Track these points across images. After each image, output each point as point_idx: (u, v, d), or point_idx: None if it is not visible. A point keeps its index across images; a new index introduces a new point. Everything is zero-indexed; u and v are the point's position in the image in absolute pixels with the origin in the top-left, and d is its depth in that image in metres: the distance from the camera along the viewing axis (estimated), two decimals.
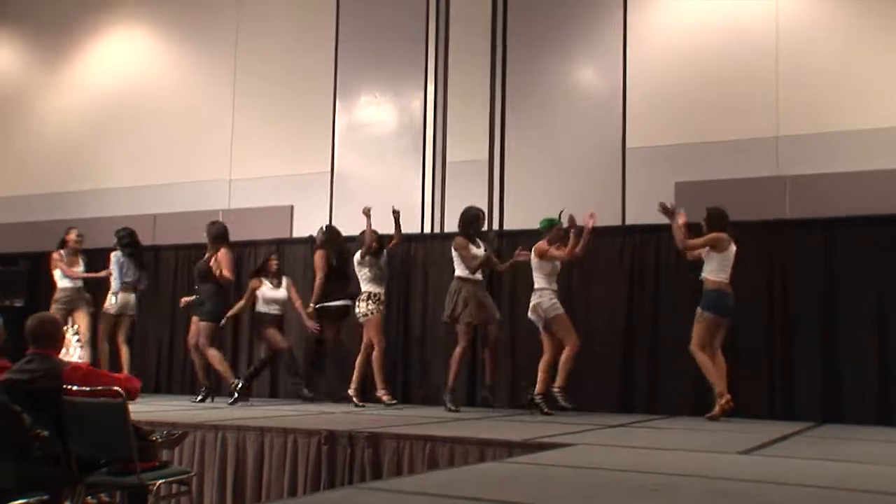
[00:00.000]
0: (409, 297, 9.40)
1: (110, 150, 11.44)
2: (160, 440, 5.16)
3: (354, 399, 8.34)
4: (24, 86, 12.30)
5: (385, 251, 8.72)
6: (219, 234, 9.16)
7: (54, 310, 8.88)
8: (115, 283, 9.40)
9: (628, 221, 8.52)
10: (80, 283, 9.45)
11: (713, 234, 7.27)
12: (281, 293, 9.15)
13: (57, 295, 9.30)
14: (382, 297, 8.53)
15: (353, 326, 8.81)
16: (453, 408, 7.79)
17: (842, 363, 7.63)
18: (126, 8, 11.70)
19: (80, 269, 9.53)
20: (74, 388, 4.43)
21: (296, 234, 10.19)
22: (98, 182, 11.40)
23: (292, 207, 10.28)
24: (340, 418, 6.82)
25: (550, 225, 7.93)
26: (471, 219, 8.14)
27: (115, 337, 9.45)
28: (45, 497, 4.07)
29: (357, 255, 8.55)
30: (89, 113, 11.70)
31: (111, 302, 9.40)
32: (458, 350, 7.95)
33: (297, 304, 9.13)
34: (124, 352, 9.41)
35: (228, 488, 6.04)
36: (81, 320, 9.28)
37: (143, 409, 6.79)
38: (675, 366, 7.98)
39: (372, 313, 8.40)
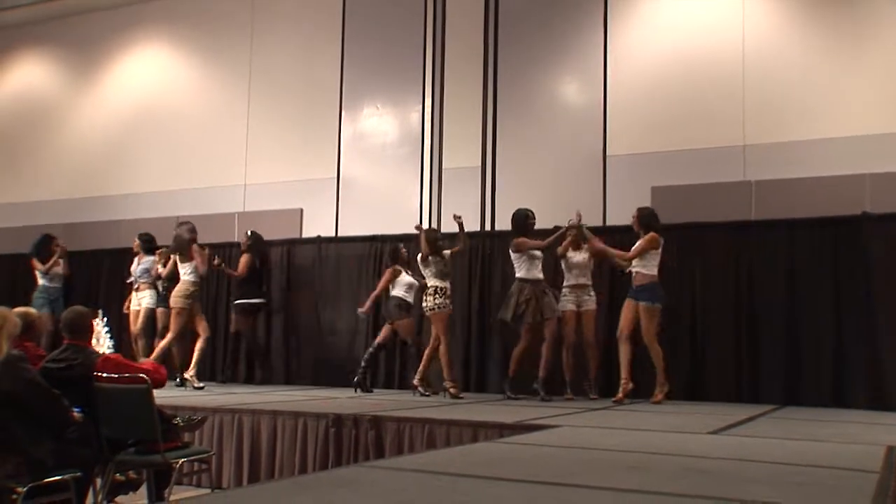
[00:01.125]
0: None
1: (136, 157, 11.43)
2: (182, 423, 5.18)
3: (420, 388, 7.96)
4: (58, 99, 12.29)
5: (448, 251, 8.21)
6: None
7: (181, 303, 8.55)
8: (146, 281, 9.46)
9: (609, 223, 8.53)
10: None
11: (652, 236, 7.26)
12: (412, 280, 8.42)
13: (188, 289, 8.67)
14: (448, 291, 7.98)
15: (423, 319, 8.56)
16: (512, 395, 7.59)
17: (802, 351, 7.65)
18: (150, 26, 11.68)
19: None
20: (104, 375, 4.44)
21: (305, 235, 10.19)
22: (125, 187, 11.40)
23: (302, 210, 10.28)
24: (346, 403, 6.83)
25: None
26: (521, 219, 7.81)
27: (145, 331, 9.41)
28: (79, 474, 4.08)
29: (420, 256, 8.11)
30: (115, 123, 11.69)
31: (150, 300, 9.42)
32: (519, 347, 7.63)
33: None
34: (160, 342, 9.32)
35: (245, 466, 6.05)
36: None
37: (167, 395, 6.80)
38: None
39: (439, 307, 7.87)
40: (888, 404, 7.13)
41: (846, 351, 7.50)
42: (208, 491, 4.89)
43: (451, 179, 9.52)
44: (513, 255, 7.74)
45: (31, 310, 4.89)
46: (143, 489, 4.82)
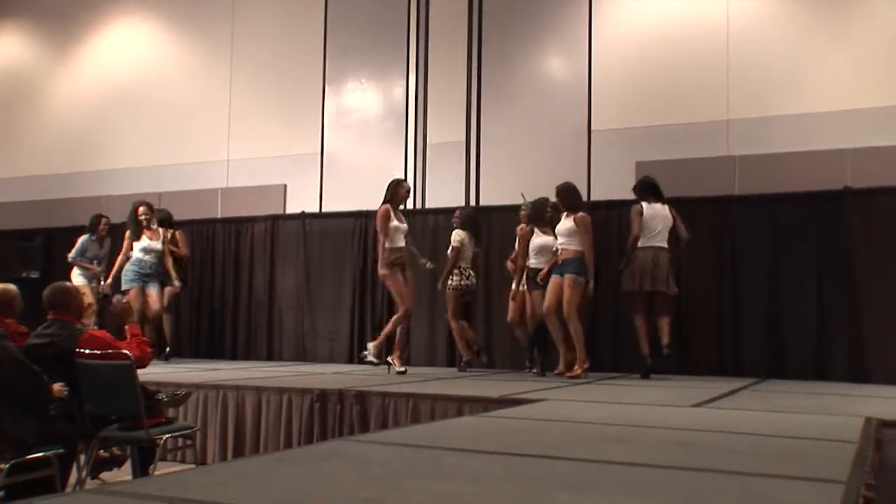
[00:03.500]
0: None
1: (117, 132, 11.32)
2: (166, 399, 5.17)
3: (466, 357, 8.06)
4: (35, 73, 12.13)
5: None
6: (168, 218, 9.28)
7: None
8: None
9: (593, 198, 8.53)
10: None
11: (585, 218, 7.22)
12: (549, 240, 7.59)
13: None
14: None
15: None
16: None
17: (784, 324, 7.71)
18: None
19: None
20: (87, 351, 4.42)
21: (289, 211, 10.15)
22: (107, 163, 11.29)
23: (285, 186, 10.23)
24: (331, 378, 6.83)
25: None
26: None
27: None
28: (61, 450, 4.06)
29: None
30: (96, 98, 11.56)
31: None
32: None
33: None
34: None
35: (229, 442, 6.05)
36: None
37: (151, 371, 6.77)
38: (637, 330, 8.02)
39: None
40: (868, 377, 7.20)
41: (827, 324, 7.56)
42: (193, 467, 4.89)
43: (436, 154, 9.49)
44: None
45: (10, 286, 4.83)
46: (128, 465, 4.82)
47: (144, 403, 4.46)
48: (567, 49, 9.08)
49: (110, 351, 4.43)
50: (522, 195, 8.04)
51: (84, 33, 11.80)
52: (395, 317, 7.65)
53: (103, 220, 9.46)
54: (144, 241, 8.71)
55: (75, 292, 4.83)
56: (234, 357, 9.96)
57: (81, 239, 9.33)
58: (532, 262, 7.57)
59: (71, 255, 9.25)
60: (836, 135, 7.80)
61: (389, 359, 7.67)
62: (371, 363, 7.77)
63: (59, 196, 11.36)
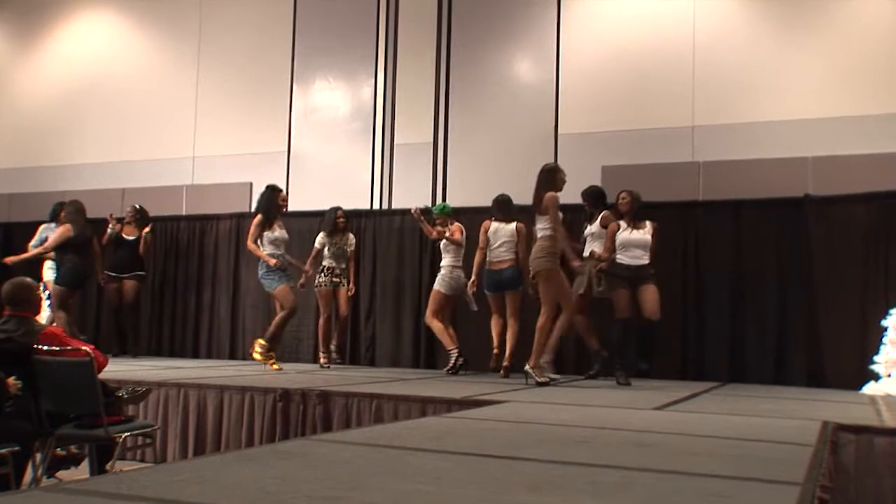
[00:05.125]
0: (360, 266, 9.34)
1: (81, 127, 11.16)
2: (126, 396, 5.10)
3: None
4: None
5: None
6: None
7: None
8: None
9: (560, 201, 8.54)
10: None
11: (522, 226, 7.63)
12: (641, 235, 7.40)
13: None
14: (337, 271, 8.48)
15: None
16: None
17: (746, 329, 7.81)
18: None
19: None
20: (45, 348, 4.34)
21: (254, 209, 10.04)
22: (70, 158, 11.12)
23: (251, 184, 10.14)
24: (295, 378, 6.79)
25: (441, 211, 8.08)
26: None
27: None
28: (17, 448, 3.98)
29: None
30: (60, 91, 11.38)
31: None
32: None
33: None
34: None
35: (190, 441, 5.99)
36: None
37: (111, 369, 6.67)
38: (604, 332, 8.06)
39: (323, 285, 8.42)
40: (826, 381, 7.31)
41: (787, 329, 7.68)
42: (152, 465, 4.82)
43: (403, 155, 9.48)
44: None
45: None
46: (85, 464, 4.74)
47: (104, 400, 4.39)
48: (535, 52, 9.11)
49: (69, 348, 4.36)
50: (429, 208, 8.35)
51: (48, 25, 11.61)
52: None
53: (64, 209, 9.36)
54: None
55: (35, 288, 4.75)
56: (196, 355, 9.86)
57: (41, 227, 9.25)
58: (621, 257, 7.34)
59: (31, 244, 9.14)
60: (798, 143, 7.92)
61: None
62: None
63: (20, 190, 11.17)
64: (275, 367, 7.72)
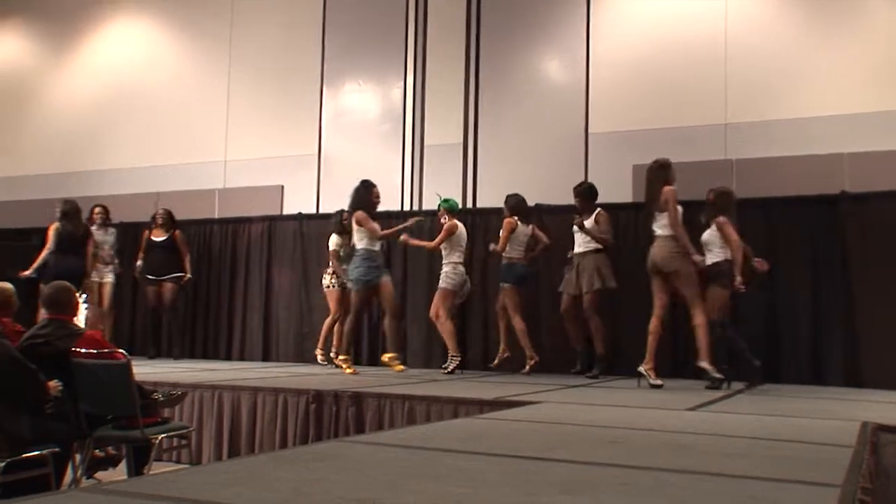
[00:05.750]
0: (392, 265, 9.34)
1: (116, 133, 11.32)
2: (162, 399, 5.15)
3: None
4: (35, 72, 12.13)
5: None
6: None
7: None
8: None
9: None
10: None
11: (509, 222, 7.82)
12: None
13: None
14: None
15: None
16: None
17: (781, 328, 7.70)
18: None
19: None
20: (83, 351, 4.41)
21: (286, 212, 10.14)
22: (105, 163, 11.29)
23: (283, 187, 10.23)
24: (327, 380, 6.82)
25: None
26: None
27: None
28: (57, 449, 4.05)
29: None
30: (96, 98, 11.56)
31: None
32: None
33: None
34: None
35: (224, 442, 6.04)
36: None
37: (147, 371, 6.76)
38: (632, 331, 8.02)
39: (333, 286, 8.55)
40: (864, 381, 7.20)
41: (823, 329, 7.57)
42: (188, 467, 4.88)
43: (433, 156, 9.49)
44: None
45: (6, 285, 4.82)
46: (123, 465, 4.80)
47: (140, 403, 4.45)
48: (565, 52, 9.08)
49: (105, 350, 4.42)
50: (438, 195, 8.31)
51: (83, 33, 11.80)
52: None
53: (96, 210, 9.59)
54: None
55: (72, 291, 4.82)
56: (229, 358, 9.94)
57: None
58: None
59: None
60: (833, 139, 7.81)
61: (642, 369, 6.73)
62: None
63: (58, 195, 11.33)
64: (349, 370, 7.67)
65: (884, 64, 7.80)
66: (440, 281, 7.99)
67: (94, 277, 9.33)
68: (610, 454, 3.27)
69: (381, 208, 9.11)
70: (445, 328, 7.93)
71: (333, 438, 5.47)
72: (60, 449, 4.09)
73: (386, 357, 7.91)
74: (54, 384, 4.25)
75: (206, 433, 6.08)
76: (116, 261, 9.55)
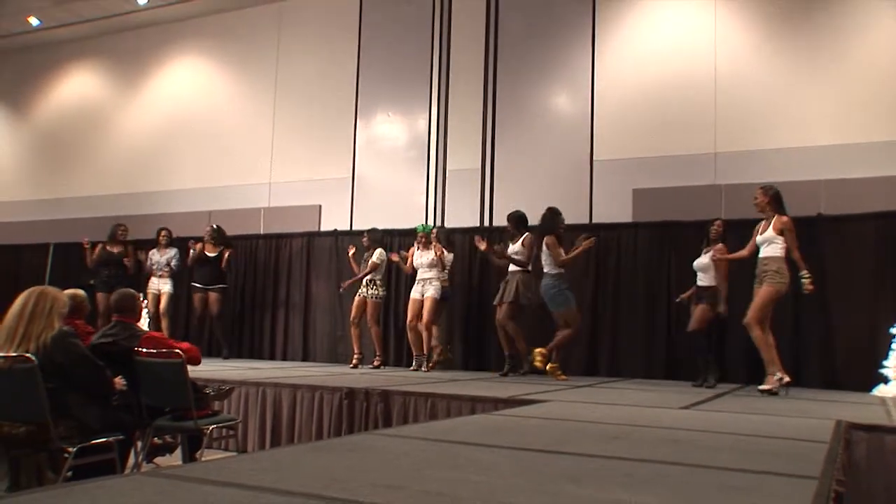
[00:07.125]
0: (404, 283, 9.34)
1: (175, 158, 11.45)
2: (212, 393, 5.19)
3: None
4: (107, 106, 12.31)
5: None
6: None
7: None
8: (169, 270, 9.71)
9: (594, 220, 8.54)
10: None
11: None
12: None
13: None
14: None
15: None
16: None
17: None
18: (186, 41, 11.69)
19: None
20: (144, 350, 4.45)
21: (323, 228, 10.20)
22: (166, 184, 11.42)
23: (320, 206, 10.29)
24: (359, 378, 6.83)
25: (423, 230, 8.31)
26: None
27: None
28: (122, 437, 4.09)
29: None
30: (158, 127, 11.71)
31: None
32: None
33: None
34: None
35: (267, 433, 6.06)
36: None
37: (199, 369, 6.80)
38: (633, 338, 8.00)
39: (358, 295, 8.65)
40: (839, 384, 7.14)
41: (803, 337, 7.51)
42: (235, 454, 4.90)
43: (454, 180, 9.52)
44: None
45: (79, 291, 4.88)
46: (178, 452, 4.84)
47: (193, 397, 4.48)
48: (573, 87, 9.10)
49: (164, 350, 4.47)
50: (424, 226, 8.47)
51: (148, 72, 11.97)
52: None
53: (163, 233, 9.78)
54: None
55: (137, 297, 4.88)
56: (273, 357, 9.99)
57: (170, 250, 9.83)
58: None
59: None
60: (811, 167, 7.77)
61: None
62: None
63: (125, 213, 11.48)
64: (562, 377, 7.36)
65: (858, 100, 7.76)
66: (428, 293, 8.12)
67: (152, 289, 9.50)
68: (612, 448, 3.26)
69: (405, 225, 9.20)
70: (427, 335, 8.13)
71: (364, 431, 5.47)
72: (124, 436, 4.13)
73: (549, 366, 7.40)
74: (119, 380, 4.29)
75: (251, 425, 6.10)
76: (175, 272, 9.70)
